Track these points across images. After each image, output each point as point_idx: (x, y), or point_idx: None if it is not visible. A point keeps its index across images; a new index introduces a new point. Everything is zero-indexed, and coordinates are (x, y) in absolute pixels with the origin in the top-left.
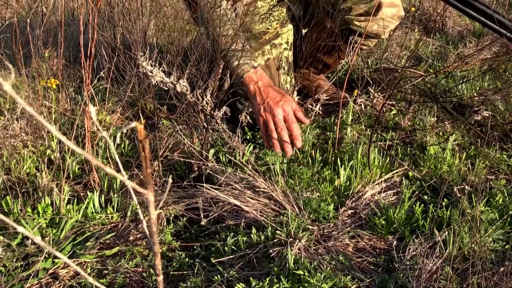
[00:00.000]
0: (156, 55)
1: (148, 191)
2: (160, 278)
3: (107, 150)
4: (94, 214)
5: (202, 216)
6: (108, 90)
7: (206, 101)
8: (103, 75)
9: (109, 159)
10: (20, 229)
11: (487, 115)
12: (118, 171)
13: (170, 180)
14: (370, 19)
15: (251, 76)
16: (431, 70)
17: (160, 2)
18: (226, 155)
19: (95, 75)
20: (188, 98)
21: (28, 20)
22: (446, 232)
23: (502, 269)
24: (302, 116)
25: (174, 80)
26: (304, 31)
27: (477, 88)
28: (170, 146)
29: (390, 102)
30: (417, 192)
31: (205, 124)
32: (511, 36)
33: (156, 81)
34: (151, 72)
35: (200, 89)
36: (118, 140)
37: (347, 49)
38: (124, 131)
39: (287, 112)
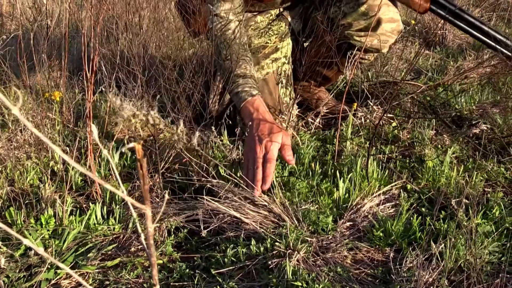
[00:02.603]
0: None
1: (145, 206)
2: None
3: (116, 157)
4: (96, 225)
5: (202, 227)
6: (109, 103)
7: (180, 130)
8: (103, 89)
9: (112, 170)
10: (25, 241)
11: (485, 128)
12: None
13: (167, 196)
14: (370, 34)
15: (247, 106)
16: (430, 83)
17: (159, 18)
18: (226, 168)
19: (97, 87)
20: (161, 128)
21: (32, 34)
22: (443, 244)
23: (497, 281)
24: (286, 155)
25: (145, 111)
26: (305, 44)
27: (476, 101)
28: (171, 159)
29: (390, 115)
30: (415, 205)
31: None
32: (507, 52)
33: (127, 115)
34: (120, 106)
35: (175, 117)
36: (116, 159)
37: (347, 63)
38: (123, 150)
39: (268, 150)
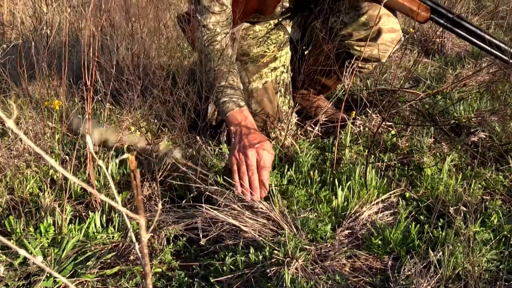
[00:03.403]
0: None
1: (139, 217)
2: None
3: (109, 169)
4: (96, 233)
5: (201, 236)
6: (108, 111)
7: (162, 147)
8: (100, 98)
9: (111, 178)
10: (21, 251)
11: (484, 136)
12: (120, 191)
13: (160, 206)
14: (368, 44)
15: (235, 115)
16: (429, 91)
17: (156, 27)
18: (225, 176)
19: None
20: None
21: (32, 43)
22: (441, 252)
23: None
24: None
25: (131, 133)
26: (306, 52)
27: (475, 109)
28: (169, 167)
29: (388, 123)
30: (413, 213)
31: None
32: (506, 58)
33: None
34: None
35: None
36: (110, 170)
37: (345, 71)
38: (117, 161)
39: (261, 156)
